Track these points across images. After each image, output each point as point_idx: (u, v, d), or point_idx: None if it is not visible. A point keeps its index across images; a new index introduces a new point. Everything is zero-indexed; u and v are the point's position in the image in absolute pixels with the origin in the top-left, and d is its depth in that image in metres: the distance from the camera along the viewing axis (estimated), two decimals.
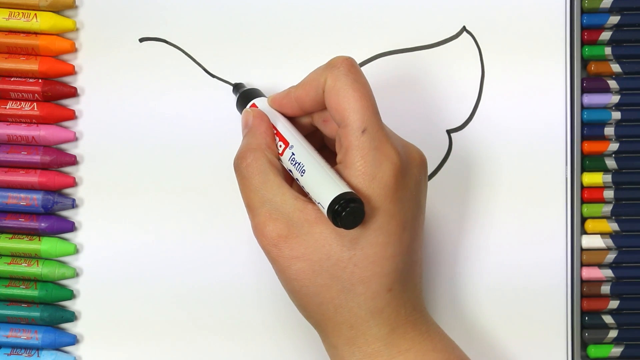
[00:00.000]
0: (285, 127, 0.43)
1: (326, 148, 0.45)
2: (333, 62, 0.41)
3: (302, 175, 0.41)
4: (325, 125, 0.43)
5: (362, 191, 0.39)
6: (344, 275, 0.40)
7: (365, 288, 0.40)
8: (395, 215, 0.40)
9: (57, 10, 0.50)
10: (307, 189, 0.41)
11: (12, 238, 0.50)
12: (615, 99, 0.51)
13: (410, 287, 0.41)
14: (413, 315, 0.41)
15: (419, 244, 0.42)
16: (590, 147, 0.51)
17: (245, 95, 0.47)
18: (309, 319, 0.42)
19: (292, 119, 0.44)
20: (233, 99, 0.49)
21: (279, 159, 0.43)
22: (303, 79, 0.43)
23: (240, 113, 0.46)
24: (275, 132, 0.43)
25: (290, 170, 0.42)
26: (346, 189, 0.38)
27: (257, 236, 0.41)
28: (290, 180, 0.42)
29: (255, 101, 0.46)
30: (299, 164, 0.41)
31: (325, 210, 0.38)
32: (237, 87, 0.49)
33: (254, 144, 0.42)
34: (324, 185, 0.39)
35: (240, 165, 0.42)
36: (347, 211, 0.37)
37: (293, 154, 0.42)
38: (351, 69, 0.41)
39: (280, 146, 0.43)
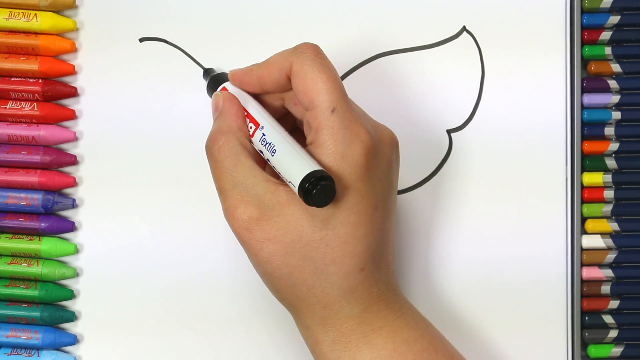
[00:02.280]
0: (255, 109, 0.43)
1: (298, 130, 0.45)
2: (299, 47, 0.41)
3: (272, 156, 0.41)
4: (297, 107, 0.44)
5: (333, 170, 0.39)
6: (316, 255, 0.40)
7: (338, 268, 0.40)
8: (366, 195, 0.40)
9: (57, 10, 0.51)
10: (278, 168, 0.40)
11: (12, 238, 0.50)
12: (615, 98, 0.51)
13: (383, 267, 0.42)
14: (386, 294, 0.41)
15: (391, 223, 0.42)
16: (590, 147, 0.51)
17: (215, 80, 0.47)
18: (281, 301, 0.42)
19: (263, 101, 0.44)
20: None
21: (251, 141, 0.43)
22: (267, 58, 0.43)
23: (211, 97, 0.46)
24: (245, 114, 0.43)
25: (261, 151, 0.42)
26: (317, 167, 0.38)
27: (228, 219, 0.41)
28: (262, 163, 0.42)
29: (226, 85, 0.46)
30: (269, 144, 0.41)
31: (296, 189, 0.38)
32: (207, 72, 0.49)
33: (225, 126, 0.43)
34: (294, 164, 0.39)
35: (211, 148, 0.42)
36: (318, 189, 0.37)
37: (264, 134, 0.42)
38: (317, 54, 0.41)
39: (251, 128, 0.43)
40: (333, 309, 0.41)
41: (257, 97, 0.45)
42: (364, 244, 0.40)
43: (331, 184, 0.38)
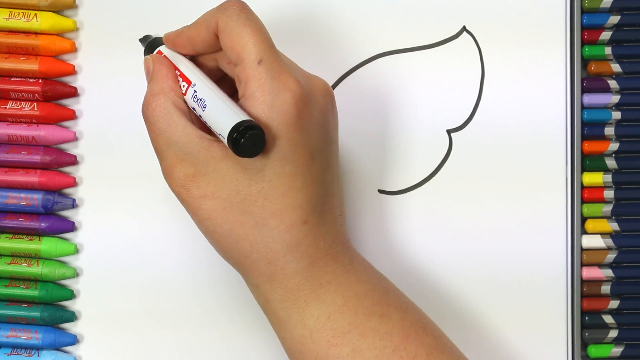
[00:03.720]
0: (187, 67, 0.43)
1: (237, 93, 0.45)
2: (224, 4, 0.41)
3: (204, 111, 0.41)
4: (229, 66, 0.43)
5: (262, 120, 0.39)
6: (256, 209, 0.39)
7: (279, 221, 0.40)
8: (300, 145, 0.39)
9: (57, 10, 0.51)
10: (209, 123, 0.40)
11: (12, 238, 0.50)
12: (615, 98, 0.51)
13: (329, 220, 0.41)
14: (334, 248, 0.41)
15: (333, 175, 0.42)
16: (590, 147, 0.51)
17: (151, 45, 0.46)
18: (228, 260, 0.42)
19: (199, 64, 0.44)
20: None
21: (184, 100, 0.42)
22: (196, 19, 0.43)
23: None
24: (178, 73, 0.43)
25: (193, 108, 0.42)
26: (245, 117, 0.38)
27: (166, 179, 0.41)
28: (201, 125, 0.42)
29: (161, 48, 0.45)
30: (200, 100, 0.41)
31: (225, 141, 0.38)
32: (144, 38, 0.48)
33: (157, 88, 0.43)
34: (223, 117, 0.39)
35: (146, 111, 0.42)
36: (246, 138, 0.37)
37: (195, 91, 0.42)
38: (242, 9, 0.41)
39: (184, 86, 0.43)
40: (278, 264, 0.40)
41: (192, 60, 0.44)
42: (304, 195, 0.40)
43: (260, 132, 0.37)
